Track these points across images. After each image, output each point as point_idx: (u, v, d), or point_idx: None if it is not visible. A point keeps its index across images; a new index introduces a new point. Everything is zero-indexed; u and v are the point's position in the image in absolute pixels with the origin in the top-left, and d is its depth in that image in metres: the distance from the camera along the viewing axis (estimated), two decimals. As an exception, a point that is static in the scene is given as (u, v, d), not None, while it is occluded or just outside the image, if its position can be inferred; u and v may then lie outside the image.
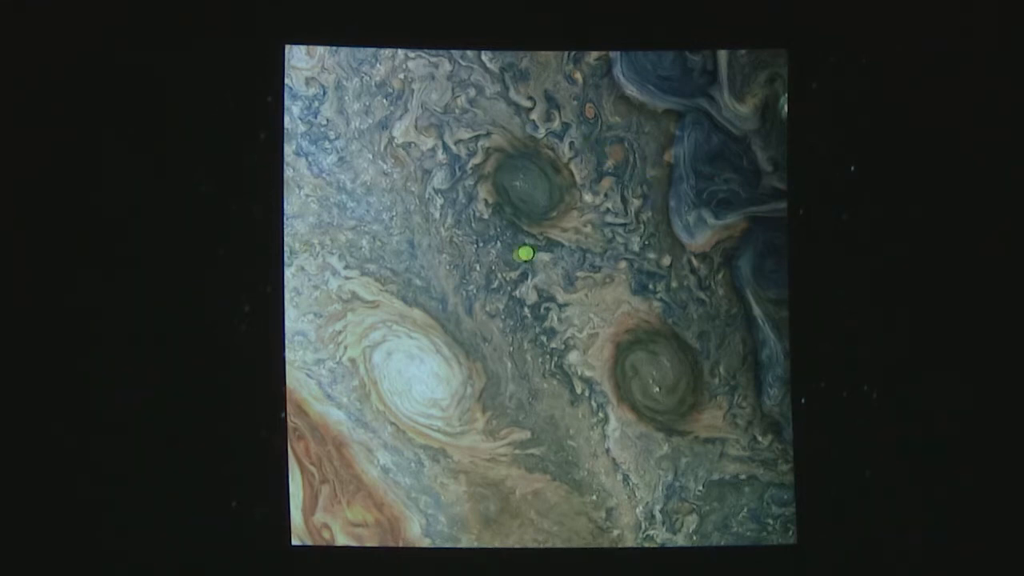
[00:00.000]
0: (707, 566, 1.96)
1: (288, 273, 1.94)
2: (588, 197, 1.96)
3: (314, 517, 1.95)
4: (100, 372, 1.88)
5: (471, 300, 1.97)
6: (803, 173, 1.94)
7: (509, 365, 1.97)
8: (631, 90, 1.96)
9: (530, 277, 1.97)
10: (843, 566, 1.92)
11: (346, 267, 1.96)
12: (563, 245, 1.97)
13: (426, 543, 1.96)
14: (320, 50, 1.94)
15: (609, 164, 1.96)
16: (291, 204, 1.94)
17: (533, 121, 1.96)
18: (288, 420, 1.93)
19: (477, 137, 1.96)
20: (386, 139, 1.96)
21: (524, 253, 1.88)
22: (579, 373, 1.97)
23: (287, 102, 1.94)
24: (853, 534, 1.90)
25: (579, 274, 1.97)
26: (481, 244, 1.97)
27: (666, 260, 1.97)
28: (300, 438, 1.94)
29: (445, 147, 1.96)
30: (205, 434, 1.89)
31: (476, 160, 1.97)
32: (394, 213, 1.96)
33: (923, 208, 1.90)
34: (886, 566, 1.89)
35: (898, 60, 1.89)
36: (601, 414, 1.97)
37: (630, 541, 1.96)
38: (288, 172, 1.94)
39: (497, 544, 1.96)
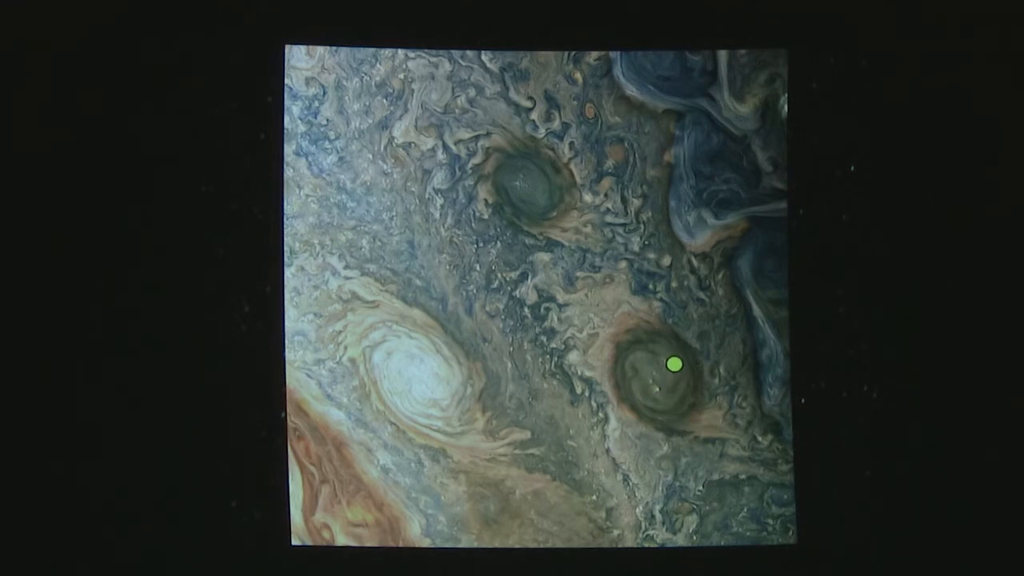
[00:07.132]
0: (707, 566, 1.96)
1: (288, 273, 1.94)
2: (588, 197, 1.96)
3: (314, 517, 1.95)
4: (99, 372, 1.88)
5: (471, 300, 1.97)
6: (803, 173, 1.94)
7: (509, 365, 1.97)
8: (631, 90, 1.96)
9: (530, 277, 1.97)
10: (843, 566, 1.92)
11: (346, 267, 1.96)
12: (563, 245, 1.97)
13: (426, 543, 1.96)
14: (320, 50, 1.94)
15: (609, 164, 1.96)
16: (291, 204, 1.94)
17: (533, 121, 1.96)
18: (288, 420, 1.93)
19: (477, 137, 1.96)
20: (386, 139, 1.96)
21: (673, 364, 1.91)
22: (579, 373, 1.97)
23: (287, 102, 1.94)
24: (853, 534, 1.90)
25: (579, 274, 1.97)
26: (481, 244, 1.97)
27: (666, 260, 1.97)
28: (300, 438, 1.94)
29: (445, 147, 1.96)
30: (205, 434, 1.89)
31: (476, 160, 1.97)
32: (394, 213, 1.96)
33: (923, 208, 1.90)
34: (886, 566, 1.89)
35: (898, 60, 1.89)
36: (601, 414, 1.97)
37: (630, 541, 1.96)
38: (288, 172, 1.94)
39: (497, 544, 1.96)
